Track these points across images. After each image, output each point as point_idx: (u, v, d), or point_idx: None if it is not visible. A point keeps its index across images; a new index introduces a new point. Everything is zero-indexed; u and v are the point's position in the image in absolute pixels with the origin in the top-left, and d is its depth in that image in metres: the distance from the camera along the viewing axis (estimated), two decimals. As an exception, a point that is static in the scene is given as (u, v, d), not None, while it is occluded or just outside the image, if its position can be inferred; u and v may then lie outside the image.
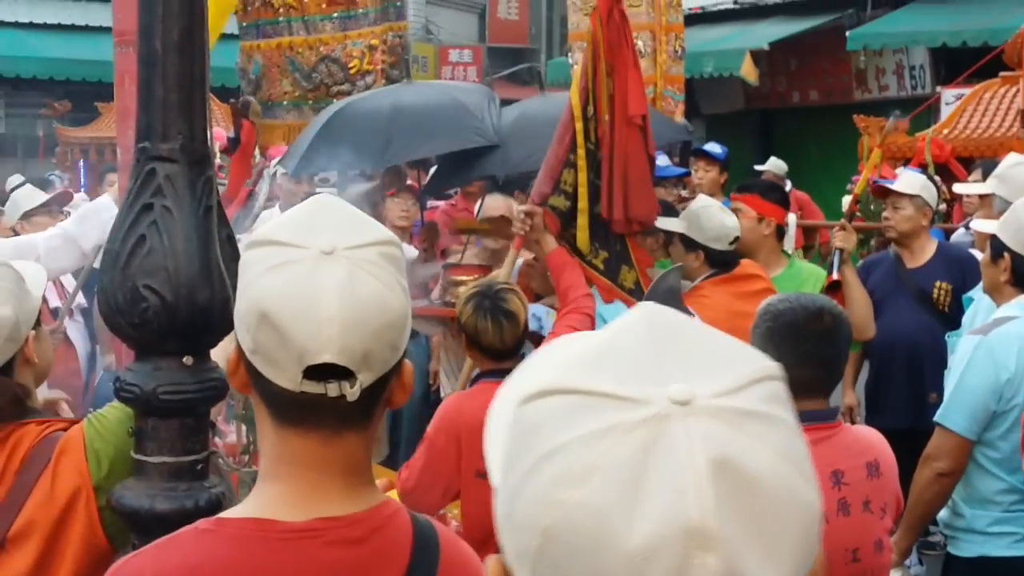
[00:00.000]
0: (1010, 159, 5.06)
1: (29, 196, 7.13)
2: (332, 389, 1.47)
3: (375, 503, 1.56)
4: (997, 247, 3.85)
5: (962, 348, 3.79)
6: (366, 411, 1.54)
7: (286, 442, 1.53)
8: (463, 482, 3.69)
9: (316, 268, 1.48)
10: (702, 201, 5.38)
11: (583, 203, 4.70)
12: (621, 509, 0.82)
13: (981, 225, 4.20)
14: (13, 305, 2.46)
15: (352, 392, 1.48)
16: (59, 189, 11.17)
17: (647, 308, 0.93)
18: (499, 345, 3.81)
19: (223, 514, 1.56)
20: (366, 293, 1.48)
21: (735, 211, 5.38)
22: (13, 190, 7.48)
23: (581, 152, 4.66)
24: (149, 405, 2.31)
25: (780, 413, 0.88)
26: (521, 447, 0.90)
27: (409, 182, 8.57)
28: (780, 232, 5.66)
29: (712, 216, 5.13)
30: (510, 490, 0.90)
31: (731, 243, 5.11)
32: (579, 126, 4.66)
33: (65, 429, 2.45)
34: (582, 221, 4.70)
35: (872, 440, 2.99)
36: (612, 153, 4.66)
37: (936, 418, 3.77)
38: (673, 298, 3.40)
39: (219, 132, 9.62)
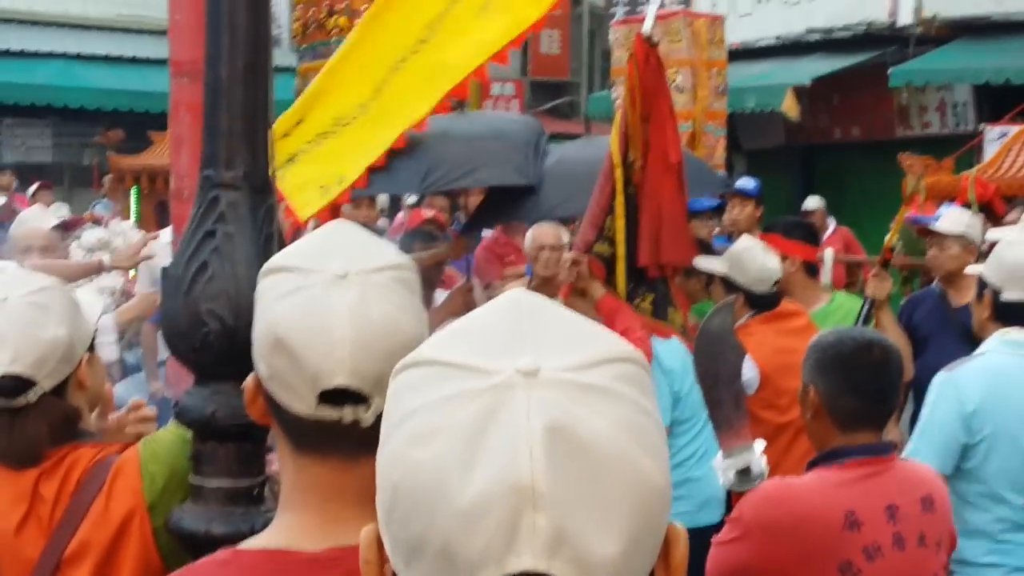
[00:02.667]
0: None
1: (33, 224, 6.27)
2: (347, 413, 1.48)
3: None
4: (982, 285, 3.97)
5: (931, 386, 3.86)
6: None
7: (304, 470, 1.53)
8: None
9: (328, 292, 1.49)
10: (744, 243, 5.36)
11: (621, 249, 4.72)
12: (457, 468, 0.86)
13: (973, 268, 4.25)
14: (68, 327, 2.50)
15: (367, 417, 1.49)
16: (107, 218, 11.29)
17: (514, 291, 0.98)
18: None
19: (242, 544, 1.56)
20: (378, 316, 1.49)
21: None
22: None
23: (620, 199, 4.69)
24: (208, 429, 2.34)
25: (629, 392, 0.91)
26: (386, 414, 0.96)
27: (431, 214, 8.58)
28: (811, 269, 5.64)
29: (754, 258, 5.11)
30: (378, 455, 0.95)
31: (773, 285, 5.10)
32: (618, 173, 4.68)
33: (120, 451, 2.49)
34: (620, 267, 4.72)
35: (926, 474, 2.99)
36: (644, 198, 4.69)
37: (904, 455, 3.79)
38: (727, 334, 3.40)
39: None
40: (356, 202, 7.59)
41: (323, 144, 4.31)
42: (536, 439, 0.85)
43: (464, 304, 5.90)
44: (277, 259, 1.58)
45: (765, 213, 8.52)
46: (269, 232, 2.38)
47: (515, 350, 0.91)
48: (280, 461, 1.57)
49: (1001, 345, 3.86)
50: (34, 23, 17.52)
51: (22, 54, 16.80)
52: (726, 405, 3.10)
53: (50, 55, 16.94)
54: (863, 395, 2.88)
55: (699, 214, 7.87)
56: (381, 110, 4.33)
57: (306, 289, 1.50)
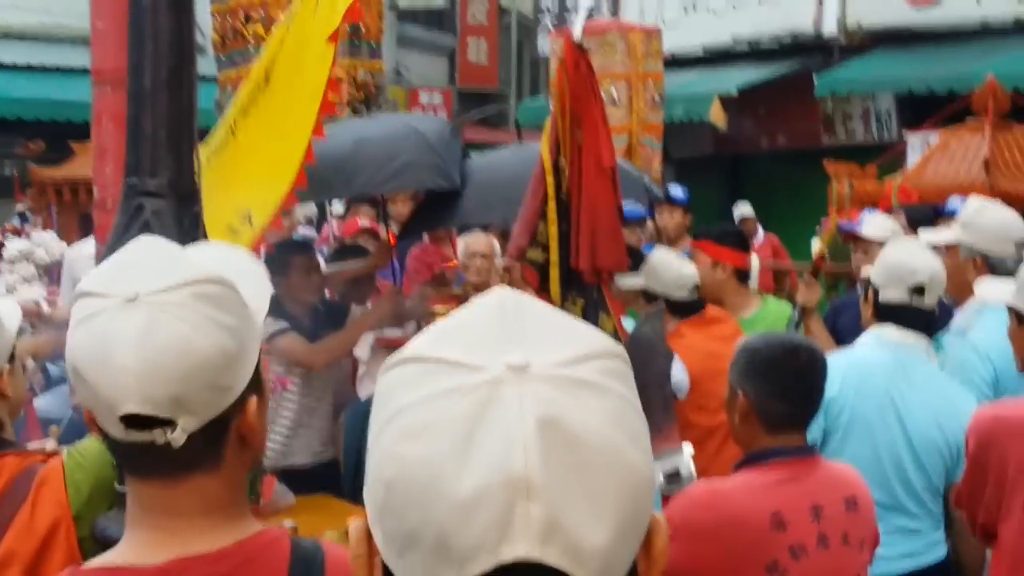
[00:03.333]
0: (973, 204, 5.14)
1: None
2: (158, 436, 1.47)
3: (245, 535, 1.56)
4: (866, 285, 4.14)
5: None
6: (210, 453, 1.53)
7: (135, 488, 1.54)
8: None
9: (116, 317, 1.47)
10: (657, 254, 5.45)
11: (554, 255, 4.73)
12: (452, 461, 0.89)
13: (866, 270, 4.38)
14: None
15: (175, 438, 1.47)
16: (29, 229, 11.15)
17: (500, 291, 1.00)
18: None
19: (85, 564, 1.56)
20: (164, 338, 1.47)
21: (692, 257, 5.48)
22: None
23: (552, 204, 4.70)
24: (134, 438, 2.32)
25: (615, 386, 0.95)
26: (377, 410, 0.97)
27: (366, 223, 8.55)
28: (743, 275, 5.71)
29: (668, 266, 5.21)
30: (369, 451, 0.97)
31: (691, 290, 5.17)
32: (550, 179, 4.69)
33: (44, 461, 2.47)
34: (554, 274, 4.73)
35: (849, 475, 3.05)
36: (580, 203, 4.70)
37: None
38: (658, 340, 3.44)
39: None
40: None
41: (207, 176, 4.23)
42: (529, 432, 0.88)
43: (392, 309, 5.91)
44: (82, 283, 1.54)
45: (694, 222, 8.59)
46: (195, 240, 2.38)
47: (504, 346, 0.93)
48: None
49: (872, 340, 4.02)
50: (-48, 32, 17.27)
51: (-60, 64, 16.56)
52: (655, 409, 3.13)
53: (-31, 65, 16.69)
54: (791, 398, 2.94)
55: (628, 222, 7.93)
56: (254, 127, 4.26)
57: (97, 315, 1.49)
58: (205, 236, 2.43)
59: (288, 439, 5.65)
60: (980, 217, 4.93)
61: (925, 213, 6.73)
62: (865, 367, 3.93)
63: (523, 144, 6.94)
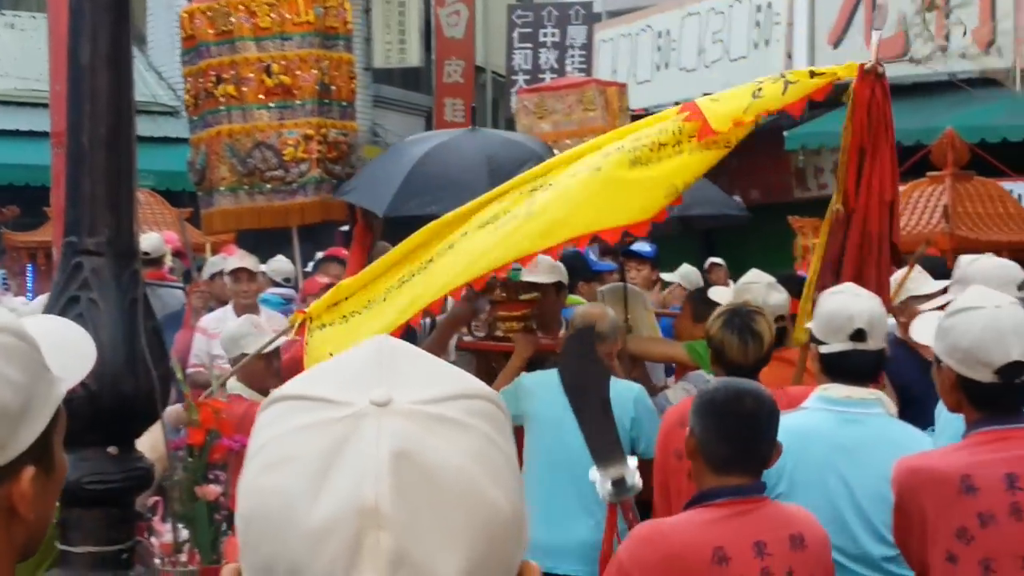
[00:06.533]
0: (963, 260, 5.15)
1: None
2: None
3: None
4: (811, 338, 4.03)
5: None
6: None
7: None
8: None
9: None
10: (750, 277, 5.71)
11: (808, 290, 4.58)
12: (307, 492, 0.90)
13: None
14: None
15: None
16: (2, 293, 11.13)
17: (378, 337, 1.03)
18: (742, 360, 4.05)
19: None
20: None
21: None
22: None
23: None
24: (74, 495, 2.33)
25: (480, 425, 0.96)
26: (249, 447, 0.98)
27: (328, 280, 8.57)
28: None
29: (757, 294, 5.25)
30: (238, 490, 0.98)
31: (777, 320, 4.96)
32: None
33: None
34: (803, 310, 4.54)
35: (798, 514, 3.10)
36: (854, 236, 4.52)
37: None
38: (589, 360, 3.52)
39: (170, 236, 9.67)
40: (236, 275, 7.63)
41: (347, 322, 4.28)
42: (383, 464, 0.89)
43: (469, 313, 5.86)
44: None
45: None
46: (133, 297, 2.39)
47: (372, 384, 0.94)
48: None
49: (816, 401, 3.78)
50: (-72, 98, 17.36)
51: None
52: (598, 426, 3.21)
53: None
54: (732, 442, 3.01)
55: (599, 275, 7.99)
56: (395, 298, 4.28)
57: None
58: (145, 294, 2.45)
59: None
60: (971, 270, 4.91)
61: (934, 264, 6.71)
62: (805, 431, 3.68)
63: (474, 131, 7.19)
